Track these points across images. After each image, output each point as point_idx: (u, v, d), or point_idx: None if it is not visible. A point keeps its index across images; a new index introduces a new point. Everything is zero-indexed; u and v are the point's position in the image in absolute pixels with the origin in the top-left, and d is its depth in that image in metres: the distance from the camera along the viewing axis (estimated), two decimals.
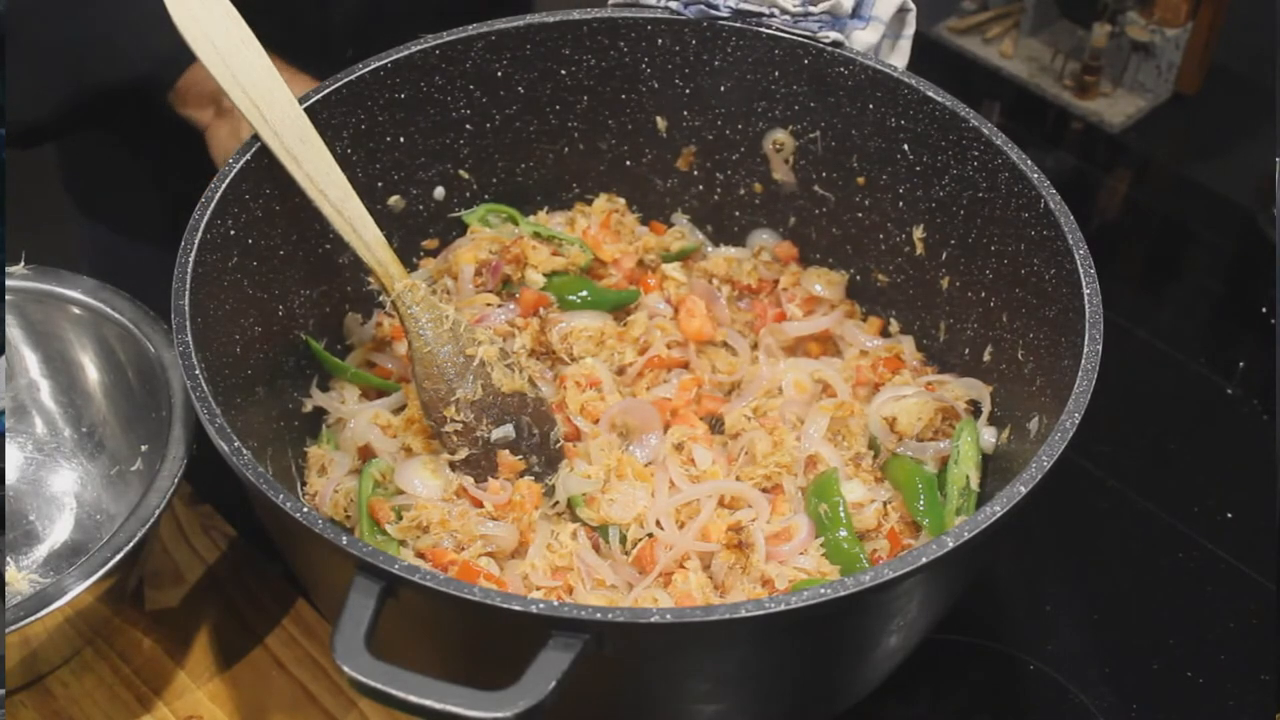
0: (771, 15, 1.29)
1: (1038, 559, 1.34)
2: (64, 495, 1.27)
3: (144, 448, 1.23)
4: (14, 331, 1.26)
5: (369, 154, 1.29)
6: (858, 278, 1.40)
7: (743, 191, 1.42)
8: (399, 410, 1.27)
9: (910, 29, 1.36)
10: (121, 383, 1.25)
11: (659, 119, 1.38)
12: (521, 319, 1.33)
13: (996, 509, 0.95)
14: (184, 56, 1.33)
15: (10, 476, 1.27)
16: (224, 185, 1.14)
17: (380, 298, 1.31)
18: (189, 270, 1.08)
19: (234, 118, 1.35)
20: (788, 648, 0.99)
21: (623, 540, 1.19)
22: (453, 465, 1.21)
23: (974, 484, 1.21)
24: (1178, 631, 1.28)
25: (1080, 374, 1.04)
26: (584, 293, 1.34)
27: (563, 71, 1.35)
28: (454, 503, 1.18)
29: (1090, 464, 1.40)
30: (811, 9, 1.28)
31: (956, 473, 1.21)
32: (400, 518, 1.16)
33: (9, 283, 1.23)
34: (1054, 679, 1.25)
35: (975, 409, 1.27)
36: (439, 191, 1.38)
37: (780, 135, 1.36)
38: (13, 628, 1.04)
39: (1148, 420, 1.48)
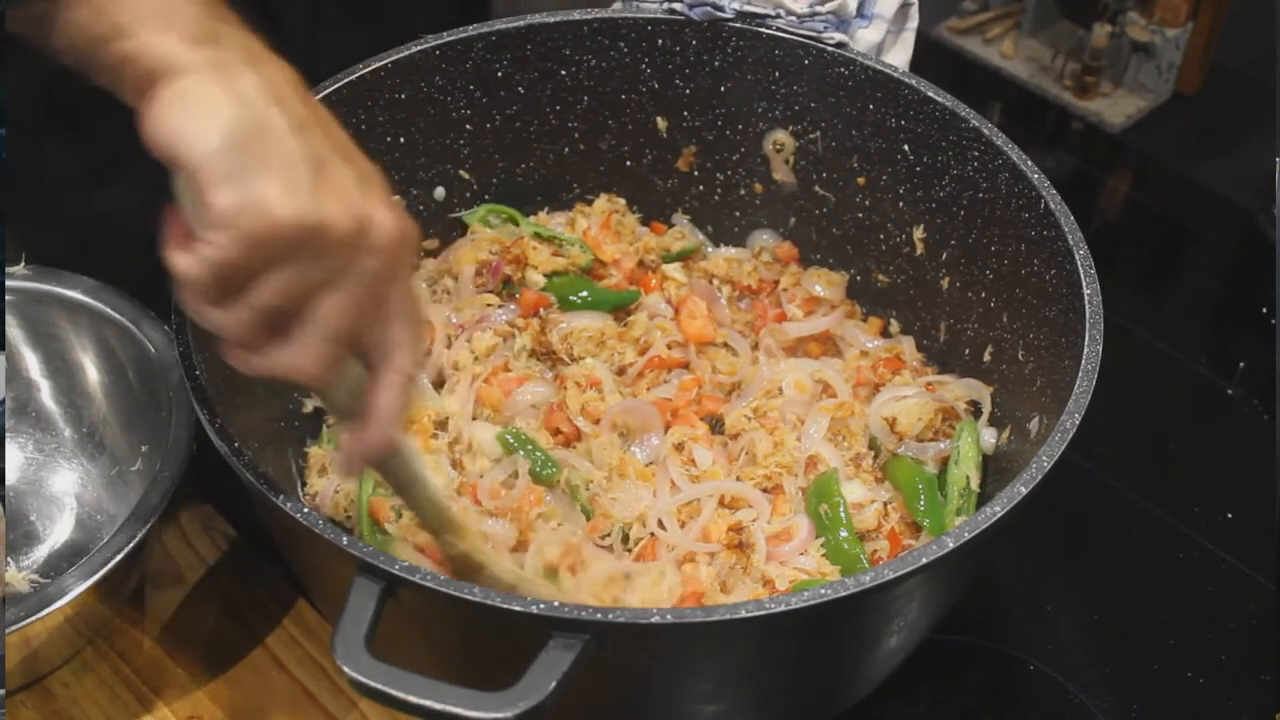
0: (777, 16, 1.29)
1: (1038, 559, 1.34)
2: (64, 495, 1.27)
3: (144, 448, 1.23)
4: (14, 331, 1.26)
5: (369, 154, 1.28)
6: (858, 278, 1.40)
7: (743, 191, 1.42)
8: None
9: (913, 22, 1.37)
10: (121, 383, 1.25)
11: (659, 119, 1.38)
12: (522, 319, 1.33)
13: (997, 509, 0.95)
14: None
15: (10, 476, 1.26)
16: None
17: None
18: None
19: None
20: (788, 648, 0.99)
21: (625, 539, 1.19)
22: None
23: (974, 484, 1.21)
24: (1178, 631, 1.28)
25: (1080, 374, 1.04)
26: (584, 293, 1.34)
27: (563, 72, 1.35)
28: (454, 500, 1.18)
29: (1090, 464, 1.40)
30: (819, 9, 1.28)
31: (957, 473, 1.21)
32: (400, 516, 1.16)
33: (9, 283, 1.23)
34: (1054, 679, 1.24)
35: (975, 409, 1.27)
36: (439, 191, 1.38)
37: (781, 135, 1.36)
38: (13, 628, 1.04)
39: (1148, 420, 1.48)
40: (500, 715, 0.83)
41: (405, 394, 0.90)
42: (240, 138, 0.78)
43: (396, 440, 0.94)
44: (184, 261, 0.80)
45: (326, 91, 1.22)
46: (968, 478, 1.21)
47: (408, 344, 0.89)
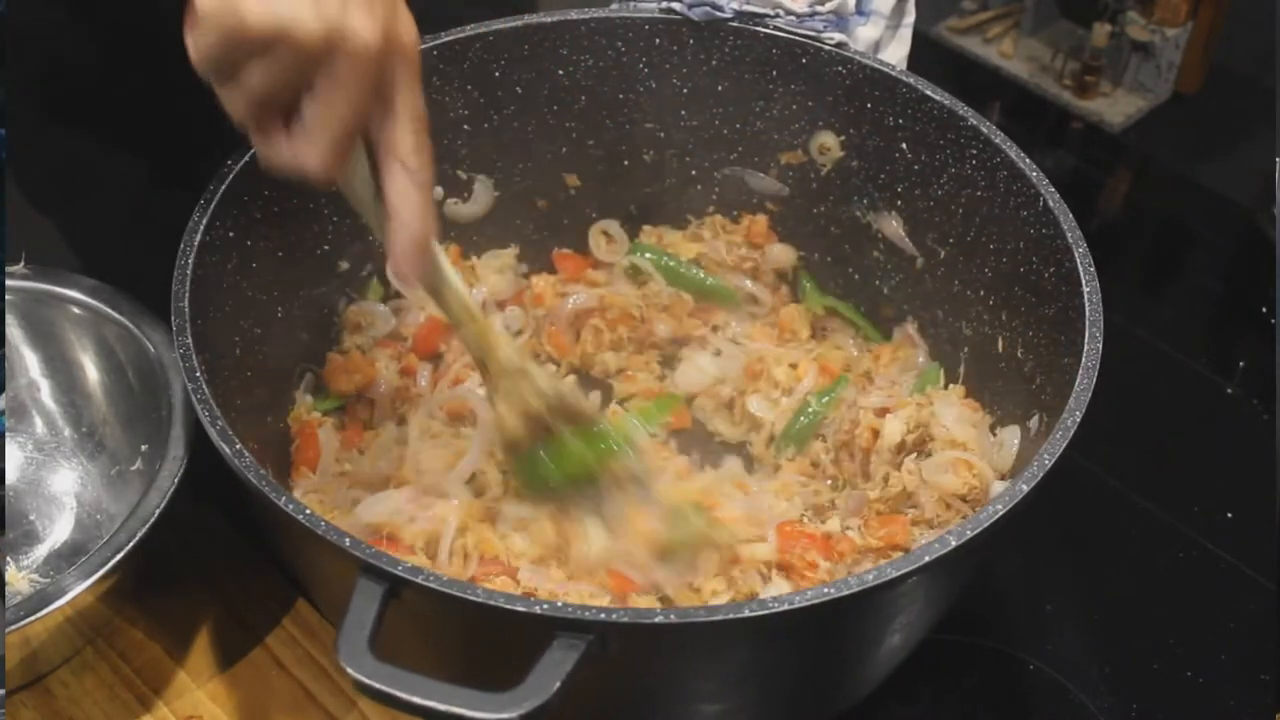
0: (776, 16, 1.29)
1: (1038, 559, 1.34)
2: (64, 495, 1.27)
3: (144, 448, 1.23)
4: (14, 331, 1.26)
5: None
6: (856, 276, 1.40)
7: (742, 191, 1.42)
8: None
9: (910, 16, 1.37)
10: (121, 383, 1.25)
11: (657, 119, 1.38)
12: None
13: (998, 508, 0.95)
14: None
15: (10, 476, 1.26)
16: (223, 187, 1.14)
17: None
18: (189, 272, 1.08)
19: None
20: (790, 648, 0.99)
21: None
22: None
23: None
24: (1178, 631, 1.28)
25: (1081, 372, 1.03)
26: None
27: (560, 72, 1.35)
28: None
29: (1090, 464, 1.40)
30: (819, 9, 1.28)
31: None
32: None
33: (9, 283, 1.23)
34: (1054, 679, 1.24)
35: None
36: (438, 191, 1.37)
37: (826, 139, 1.35)
38: (13, 628, 1.04)
39: (1148, 420, 1.48)
40: (505, 716, 0.83)
41: (415, 190, 0.95)
42: None
43: (426, 240, 0.98)
44: (189, 40, 0.88)
45: None
46: None
47: (410, 142, 0.94)
